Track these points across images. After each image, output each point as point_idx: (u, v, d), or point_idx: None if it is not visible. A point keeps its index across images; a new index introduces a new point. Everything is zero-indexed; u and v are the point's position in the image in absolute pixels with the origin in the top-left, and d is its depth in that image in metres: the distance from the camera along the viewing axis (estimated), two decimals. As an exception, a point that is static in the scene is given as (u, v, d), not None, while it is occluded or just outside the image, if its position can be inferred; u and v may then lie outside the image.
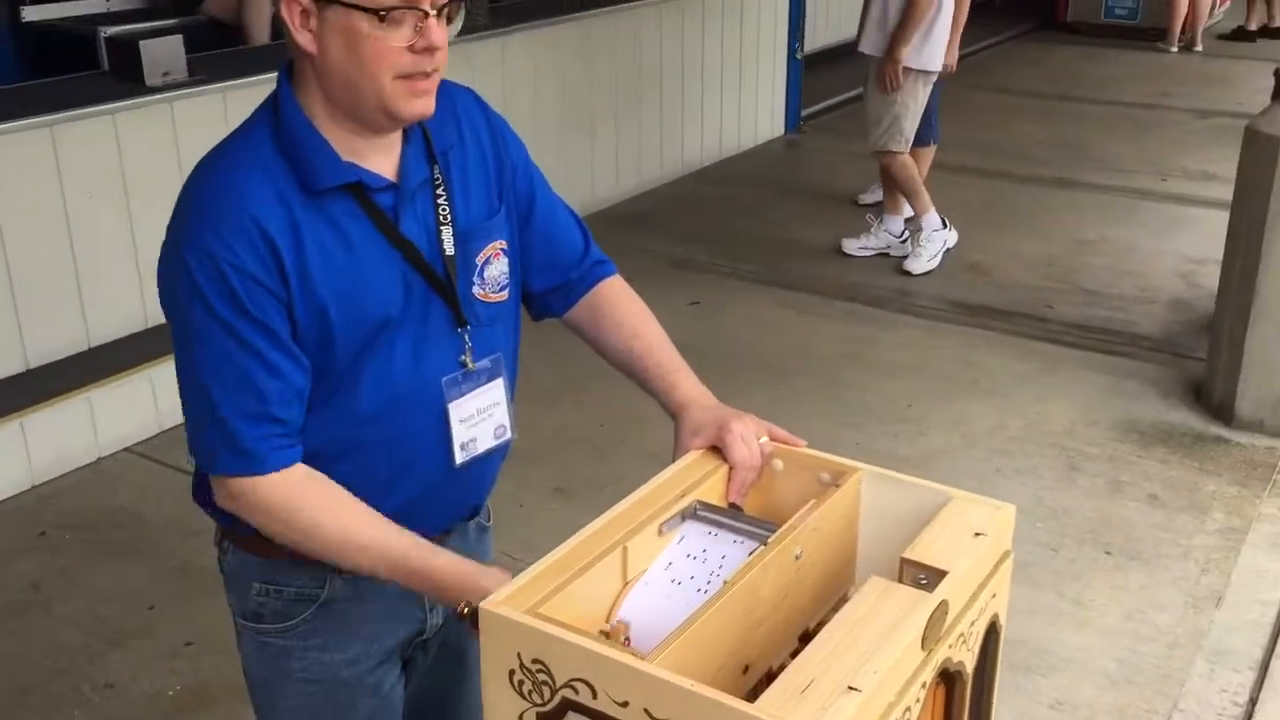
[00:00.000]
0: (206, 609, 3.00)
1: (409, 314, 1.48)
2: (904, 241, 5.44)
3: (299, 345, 1.42)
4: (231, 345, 1.38)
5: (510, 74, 5.43)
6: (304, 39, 1.38)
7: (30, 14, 5.17)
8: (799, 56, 7.38)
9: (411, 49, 1.37)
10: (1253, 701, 2.79)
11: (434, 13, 1.37)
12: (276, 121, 1.43)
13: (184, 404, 1.45)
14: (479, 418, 1.57)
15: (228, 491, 1.44)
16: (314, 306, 1.41)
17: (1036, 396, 4.23)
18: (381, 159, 1.47)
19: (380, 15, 1.34)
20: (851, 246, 5.47)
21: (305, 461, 1.47)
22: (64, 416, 3.72)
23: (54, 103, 3.78)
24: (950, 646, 1.23)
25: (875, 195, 5.88)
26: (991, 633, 1.35)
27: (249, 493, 1.42)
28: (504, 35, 5.39)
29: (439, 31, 1.38)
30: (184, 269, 1.38)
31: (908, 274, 5.24)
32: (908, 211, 5.48)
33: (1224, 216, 4.15)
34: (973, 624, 1.28)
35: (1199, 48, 9.91)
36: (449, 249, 1.50)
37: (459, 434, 1.55)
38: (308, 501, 1.43)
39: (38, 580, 3.25)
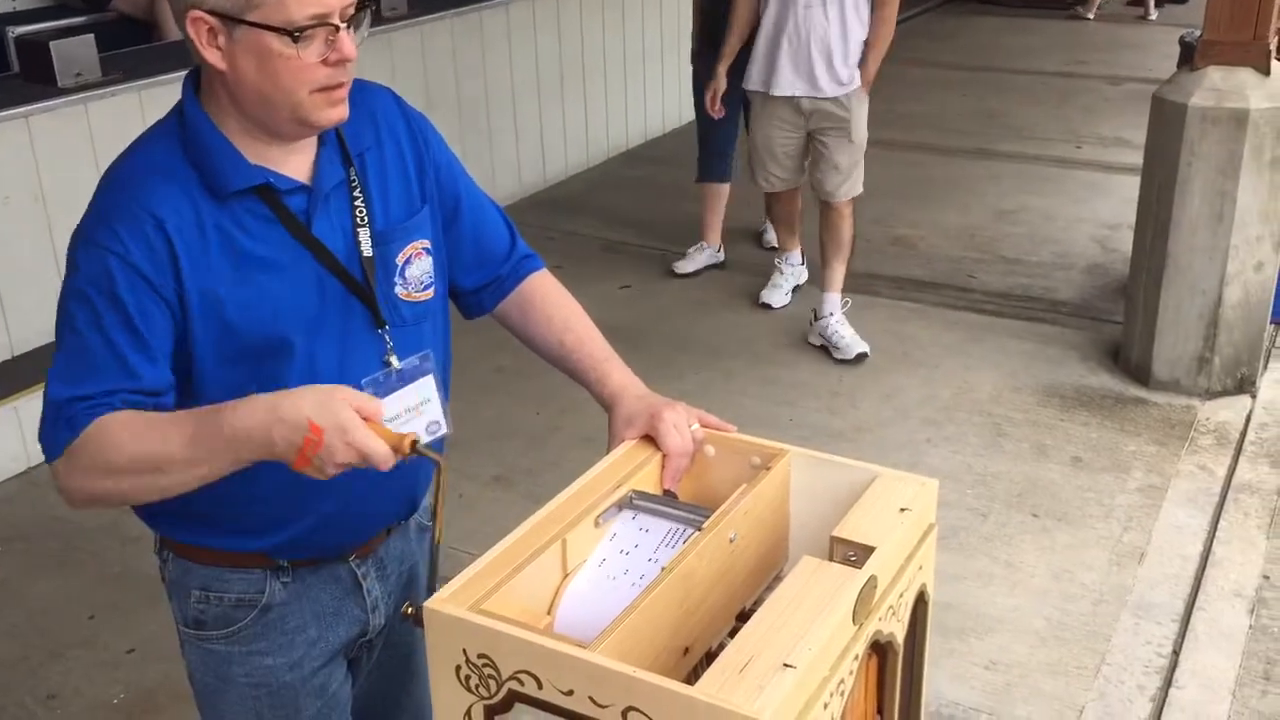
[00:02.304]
0: (147, 615, 2.98)
1: (327, 316, 1.49)
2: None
3: (198, 347, 1.41)
4: (91, 334, 1.36)
5: (431, 61, 5.40)
6: (212, 56, 1.37)
7: (-68, 15, 5.04)
8: (720, 35, 7.40)
9: (325, 62, 1.38)
10: (1176, 652, 2.91)
11: (344, 25, 1.38)
12: (182, 129, 1.43)
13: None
14: (408, 416, 1.57)
15: (62, 480, 1.37)
16: (215, 307, 1.41)
17: (963, 366, 4.32)
18: (294, 163, 1.47)
19: (294, 35, 1.34)
20: (775, 297, 4.84)
21: (239, 473, 1.45)
22: (-10, 427, 3.66)
23: (-36, 107, 3.70)
24: (880, 619, 1.28)
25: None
26: (920, 603, 1.40)
27: (71, 459, 1.36)
28: (423, 23, 5.35)
29: (350, 43, 1.39)
30: (71, 263, 1.38)
31: (768, 306, 4.80)
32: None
33: (1137, 181, 4.27)
34: (901, 596, 1.33)
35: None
36: (366, 250, 1.51)
37: None
38: (108, 448, 1.34)
39: (-28, 595, 3.21)
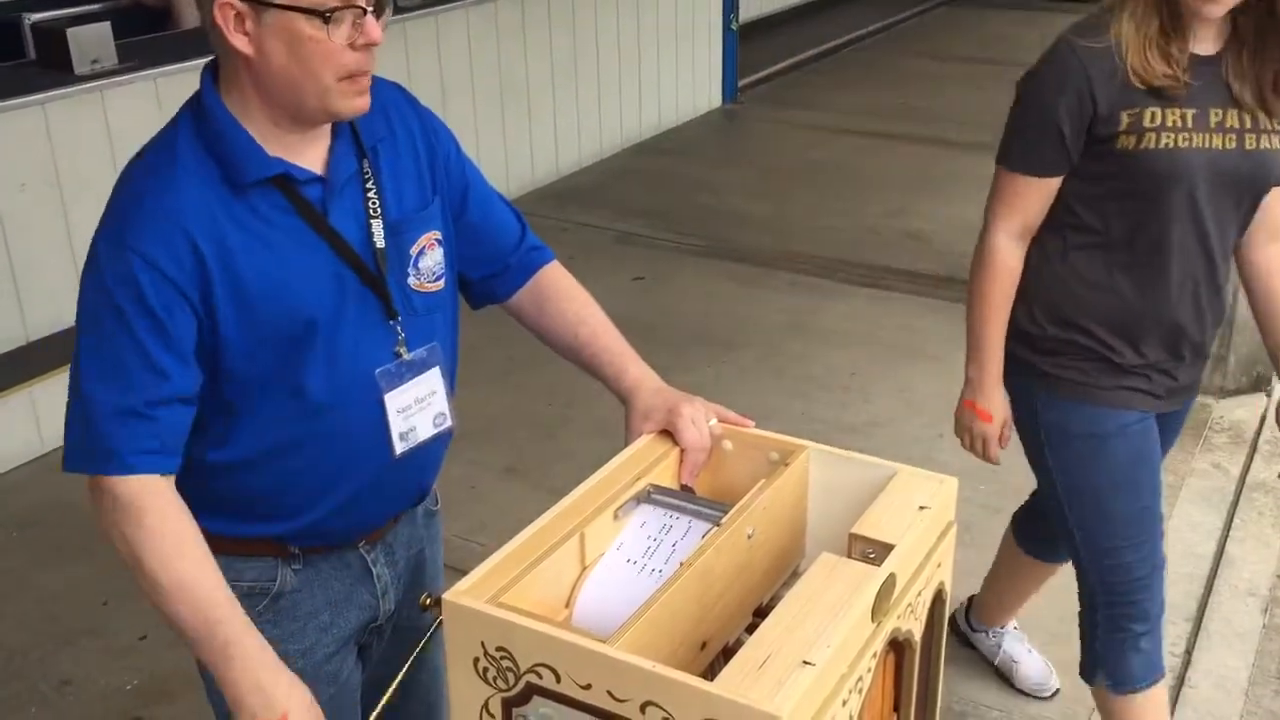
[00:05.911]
0: (161, 603, 2.99)
1: (342, 307, 1.49)
2: None
3: (225, 341, 1.42)
4: (120, 336, 1.37)
5: (446, 52, 5.40)
6: (239, 42, 1.37)
7: (-52, 2, 5.04)
8: (734, 27, 7.40)
9: (352, 46, 1.38)
10: (1189, 651, 2.90)
11: (370, 9, 1.38)
12: (200, 120, 1.43)
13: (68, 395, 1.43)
14: (417, 407, 1.59)
15: (89, 485, 1.42)
16: (243, 303, 1.41)
17: (976, 361, 4.30)
18: (310, 154, 1.47)
19: (324, 16, 1.34)
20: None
21: (248, 463, 1.48)
22: (6, 413, 3.67)
23: (-20, 94, 3.71)
24: (899, 617, 1.27)
25: None
26: (937, 600, 1.40)
27: (101, 490, 1.40)
28: (438, 13, 5.35)
29: (376, 27, 1.39)
30: (93, 260, 1.39)
31: None
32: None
33: (1153, 179, 4.23)
34: (919, 594, 1.33)
35: None
36: (379, 241, 1.51)
37: (397, 424, 1.56)
38: (151, 516, 1.40)
39: (-14, 581, 3.23)
